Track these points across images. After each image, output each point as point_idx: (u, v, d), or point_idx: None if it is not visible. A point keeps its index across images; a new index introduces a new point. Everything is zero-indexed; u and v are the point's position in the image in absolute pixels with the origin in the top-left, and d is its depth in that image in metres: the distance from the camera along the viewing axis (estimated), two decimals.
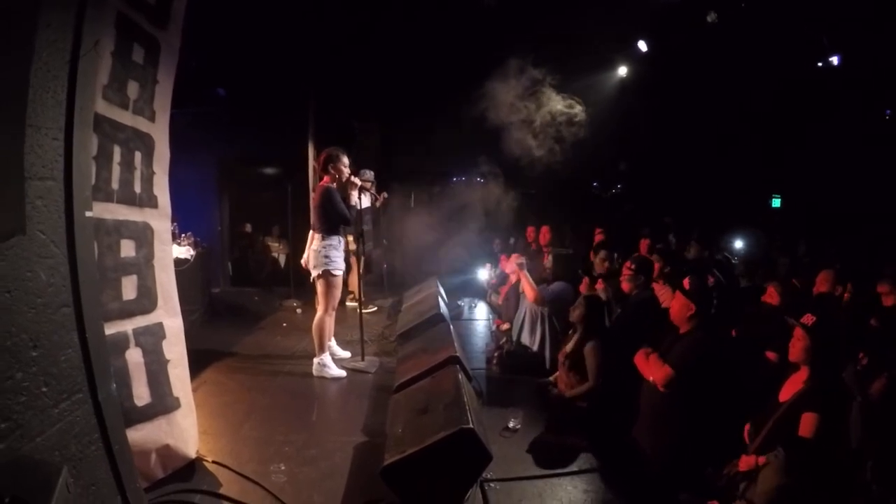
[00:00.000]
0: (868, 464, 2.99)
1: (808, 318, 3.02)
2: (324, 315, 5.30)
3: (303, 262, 5.53)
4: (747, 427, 3.19)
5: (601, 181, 17.57)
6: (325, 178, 5.37)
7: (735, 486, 3.02)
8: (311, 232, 5.50)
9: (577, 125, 7.76)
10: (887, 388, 3.38)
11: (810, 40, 9.65)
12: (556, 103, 7.86)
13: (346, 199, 5.49)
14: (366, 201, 7.33)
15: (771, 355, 3.94)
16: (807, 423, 2.79)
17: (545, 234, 8.04)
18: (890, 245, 7.56)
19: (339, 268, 5.29)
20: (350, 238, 6.52)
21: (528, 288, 5.75)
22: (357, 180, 5.54)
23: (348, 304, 7.88)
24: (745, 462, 3.01)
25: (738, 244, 8.97)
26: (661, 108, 11.60)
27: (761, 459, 2.90)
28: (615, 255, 5.72)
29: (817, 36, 9.56)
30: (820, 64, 10.20)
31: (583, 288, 5.89)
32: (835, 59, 9.94)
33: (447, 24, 8.28)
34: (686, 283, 3.95)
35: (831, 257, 6.92)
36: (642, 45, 9.87)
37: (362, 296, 7.25)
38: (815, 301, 4.94)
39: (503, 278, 7.79)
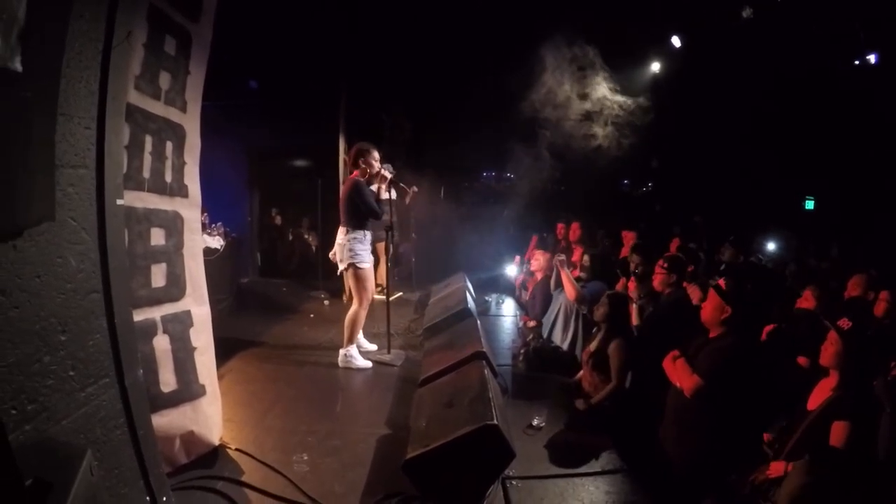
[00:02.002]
0: None
1: (845, 323, 2.92)
2: (359, 308, 5.33)
3: (331, 255, 5.57)
4: (766, 437, 3.12)
5: (632, 179, 17.34)
6: (355, 172, 5.40)
7: (760, 493, 2.95)
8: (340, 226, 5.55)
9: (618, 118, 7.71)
10: None
11: (847, 37, 9.34)
12: (590, 96, 7.82)
13: (377, 192, 5.51)
14: (394, 194, 7.35)
15: (802, 360, 3.83)
16: (838, 433, 2.71)
17: (575, 230, 7.95)
18: None
19: (365, 261, 5.30)
20: None
21: (568, 286, 5.71)
22: (387, 173, 5.56)
23: (375, 296, 7.90)
24: (775, 468, 2.94)
25: (771, 246, 8.77)
26: (694, 105, 11.37)
27: (790, 466, 2.83)
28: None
29: (854, 32, 9.24)
30: (857, 62, 9.88)
31: (619, 287, 5.84)
32: (872, 57, 9.61)
33: (478, 17, 8.23)
34: (722, 283, 3.83)
35: (864, 261, 6.70)
36: (676, 41, 9.68)
37: (389, 286, 7.30)
38: (847, 305, 4.79)
39: (528, 273, 7.74)
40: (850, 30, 9.20)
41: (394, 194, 6.97)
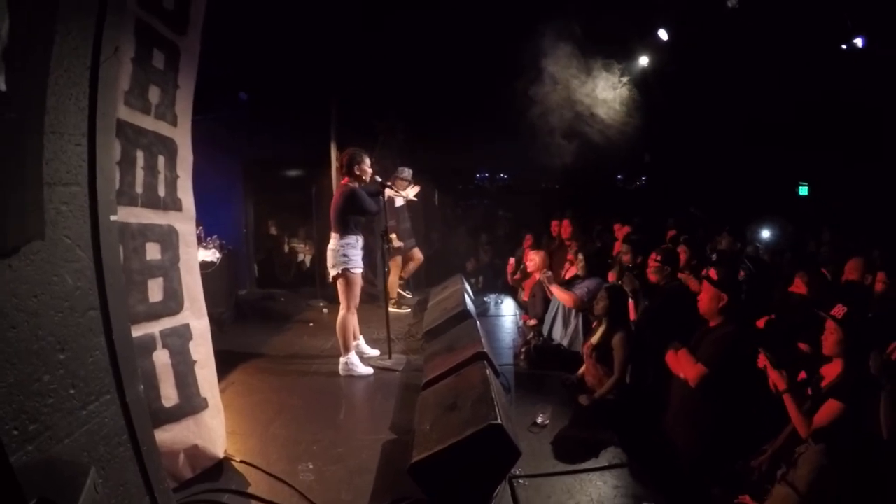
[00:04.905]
0: None
1: (839, 310, 2.92)
2: (346, 314, 5.31)
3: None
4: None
5: (626, 174, 17.41)
6: (345, 179, 5.39)
7: (766, 479, 2.96)
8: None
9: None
10: None
11: (833, 21, 9.33)
12: (582, 92, 7.84)
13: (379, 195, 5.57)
14: (399, 200, 7.36)
15: (803, 346, 3.83)
16: (826, 410, 2.74)
17: (566, 227, 7.94)
18: None
19: (357, 266, 5.30)
20: (392, 236, 6.63)
21: (562, 297, 5.73)
22: (378, 177, 5.56)
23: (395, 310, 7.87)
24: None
25: (766, 234, 8.78)
26: (684, 98, 11.37)
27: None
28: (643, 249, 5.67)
29: (840, 16, 9.23)
30: (844, 46, 9.88)
31: (610, 278, 5.86)
32: (859, 41, 9.61)
33: (467, 17, 8.22)
34: (713, 273, 3.84)
35: (861, 245, 6.70)
36: (663, 34, 9.68)
37: (396, 295, 7.31)
38: (843, 290, 4.79)
39: (524, 273, 7.74)
40: (836, 14, 9.19)
41: (399, 200, 7.07)
